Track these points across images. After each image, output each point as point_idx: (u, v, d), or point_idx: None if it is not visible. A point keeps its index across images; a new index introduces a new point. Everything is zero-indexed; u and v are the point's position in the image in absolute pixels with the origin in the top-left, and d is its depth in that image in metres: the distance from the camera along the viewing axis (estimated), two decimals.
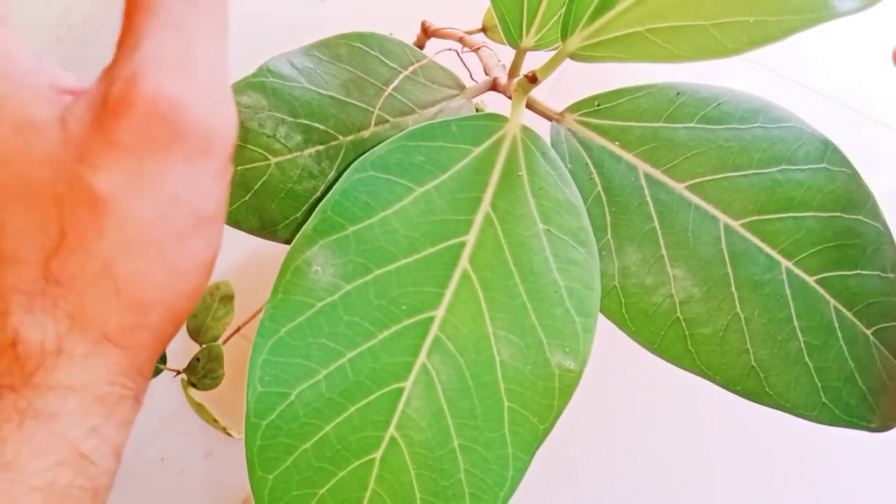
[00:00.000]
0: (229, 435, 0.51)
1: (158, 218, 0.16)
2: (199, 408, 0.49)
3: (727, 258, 0.24)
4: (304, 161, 0.23)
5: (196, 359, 0.51)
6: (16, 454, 0.15)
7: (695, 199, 0.24)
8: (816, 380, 0.23)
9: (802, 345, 0.23)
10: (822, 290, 0.23)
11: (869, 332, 0.23)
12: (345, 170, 0.23)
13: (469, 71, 0.39)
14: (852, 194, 0.24)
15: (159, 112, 0.16)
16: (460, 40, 0.40)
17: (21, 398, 0.15)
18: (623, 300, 0.24)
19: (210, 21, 0.17)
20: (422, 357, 0.21)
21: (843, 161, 0.24)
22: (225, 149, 0.17)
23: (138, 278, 0.16)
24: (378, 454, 0.20)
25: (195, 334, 0.52)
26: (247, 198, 0.23)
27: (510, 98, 0.27)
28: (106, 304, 0.16)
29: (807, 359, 0.23)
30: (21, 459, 0.15)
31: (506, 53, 0.30)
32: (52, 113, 0.16)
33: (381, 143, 0.23)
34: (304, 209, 0.23)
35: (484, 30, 0.44)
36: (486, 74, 0.32)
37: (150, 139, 0.16)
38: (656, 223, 0.24)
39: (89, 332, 0.16)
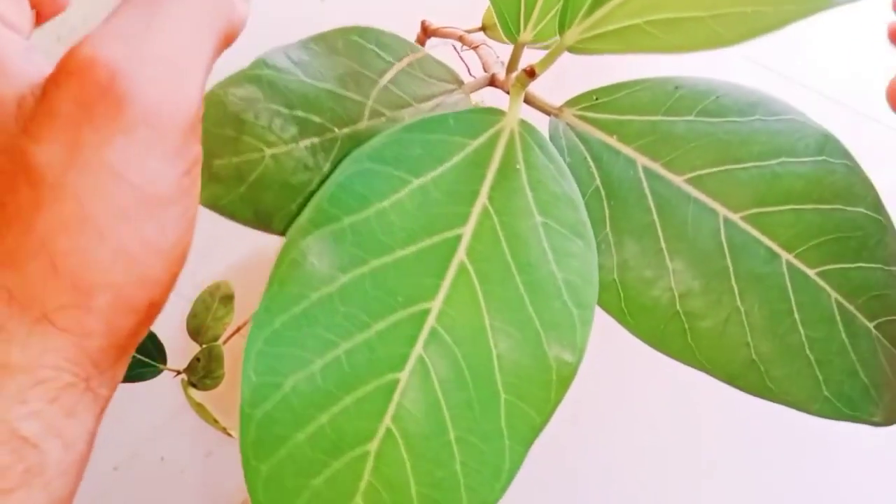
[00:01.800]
0: (229, 435, 0.51)
1: (96, 193, 0.15)
2: (199, 408, 0.49)
3: (727, 251, 0.23)
4: (300, 153, 0.23)
5: (196, 359, 0.51)
6: None
7: (694, 192, 0.24)
8: (818, 373, 0.23)
9: (804, 338, 0.23)
10: (823, 283, 0.23)
11: (871, 326, 0.23)
12: (340, 162, 0.23)
13: (468, 68, 0.39)
14: (853, 186, 0.24)
15: (95, 77, 0.15)
16: (460, 39, 0.40)
17: None
18: (622, 294, 0.24)
19: (193, 6, 0.17)
20: (418, 348, 0.21)
21: (844, 153, 0.24)
22: (177, 126, 0.16)
23: (77, 256, 0.15)
24: (373, 445, 0.20)
25: (195, 334, 0.52)
26: (241, 189, 0.22)
27: (509, 94, 0.27)
28: (44, 283, 0.15)
29: (808, 352, 0.23)
30: None
31: (506, 52, 0.30)
32: (14, 92, 0.16)
33: (376, 136, 0.23)
34: (298, 201, 0.23)
35: (483, 29, 0.44)
36: (485, 71, 0.32)
37: (88, 108, 0.15)
38: (655, 216, 0.24)
39: (28, 310, 0.15)
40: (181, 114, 0.17)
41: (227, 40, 0.19)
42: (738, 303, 0.23)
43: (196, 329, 0.52)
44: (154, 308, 0.17)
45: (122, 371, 0.18)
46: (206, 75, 0.18)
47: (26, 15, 0.18)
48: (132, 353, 0.18)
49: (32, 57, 0.17)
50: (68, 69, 0.15)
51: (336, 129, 0.23)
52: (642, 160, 0.24)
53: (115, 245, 0.16)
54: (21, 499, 0.15)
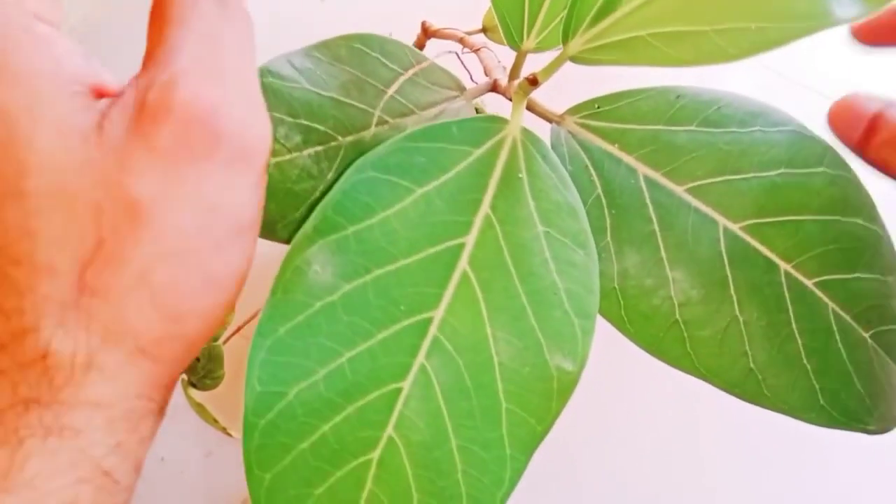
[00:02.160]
0: (229, 435, 0.51)
1: (197, 226, 0.16)
2: (199, 408, 0.49)
3: (726, 261, 0.24)
4: (303, 161, 0.23)
5: (196, 359, 0.51)
6: (38, 471, 0.14)
7: (694, 202, 0.24)
8: (815, 382, 0.23)
9: (801, 347, 0.23)
10: (820, 293, 0.24)
11: (867, 336, 0.23)
12: (344, 171, 0.23)
13: (469, 72, 0.39)
14: (851, 198, 0.24)
15: (198, 117, 0.15)
16: (460, 41, 0.40)
17: (48, 413, 0.15)
18: (622, 302, 0.24)
19: (238, 29, 0.17)
20: (420, 357, 0.21)
21: (842, 165, 0.24)
22: (262, 156, 0.17)
23: (175, 288, 0.16)
24: (376, 454, 0.20)
25: None
26: None
27: (510, 100, 0.27)
28: (141, 315, 0.15)
29: (805, 361, 0.23)
30: (42, 476, 0.14)
31: (506, 54, 0.30)
32: (91, 119, 0.15)
33: (380, 144, 0.23)
34: (302, 209, 0.23)
35: (484, 30, 0.44)
36: (487, 76, 0.32)
37: (190, 145, 0.16)
38: (656, 225, 0.24)
39: (122, 344, 0.15)
40: (265, 144, 0.17)
41: None
42: (737, 312, 0.23)
43: None
44: (221, 325, 0.18)
45: None
46: None
47: (59, 11, 0.18)
48: None
49: (92, 65, 0.17)
50: (169, 106, 0.15)
51: (340, 138, 0.23)
52: (643, 169, 0.25)
53: (207, 274, 0.16)
54: None
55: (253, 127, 0.17)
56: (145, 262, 0.15)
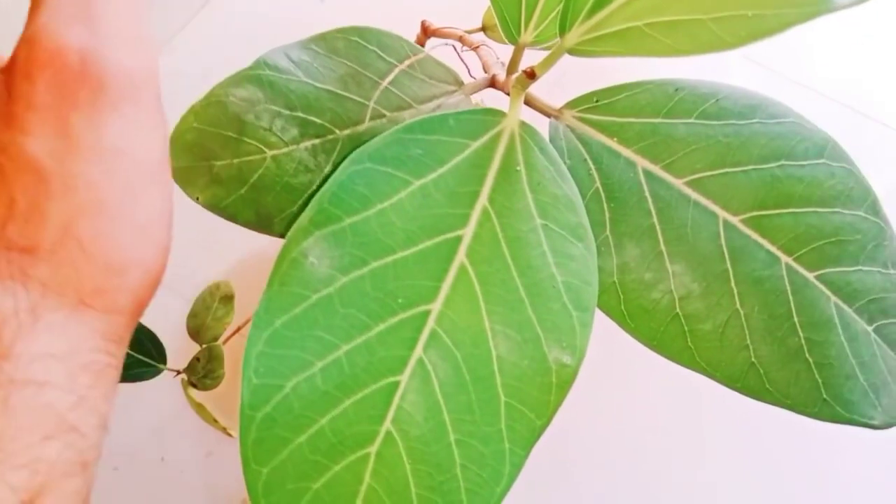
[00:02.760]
0: (229, 435, 0.51)
1: (104, 174, 0.16)
2: (199, 408, 0.49)
3: (726, 254, 0.23)
4: (301, 154, 0.23)
5: (196, 359, 0.51)
6: (1, 430, 0.15)
7: (694, 195, 0.24)
8: (817, 376, 0.23)
9: (803, 341, 0.23)
10: (822, 287, 0.23)
11: (870, 329, 0.23)
12: (341, 164, 0.23)
13: (468, 69, 0.39)
14: (852, 190, 0.24)
15: (68, 66, 0.15)
16: (460, 39, 0.40)
17: (2, 371, 0.15)
18: (622, 296, 0.24)
19: None
20: (418, 351, 0.21)
21: (843, 157, 0.24)
22: (150, 91, 0.17)
23: (104, 238, 0.16)
24: (373, 448, 0.20)
25: (195, 334, 0.52)
26: (243, 191, 0.22)
27: (509, 95, 0.27)
28: (77, 268, 0.16)
29: (807, 355, 0.23)
30: (6, 435, 0.15)
31: (506, 52, 0.30)
32: None
33: (377, 136, 0.23)
34: (299, 203, 0.23)
35: (484, 29, 0.44)
36: (485, 72, 0.32)
37: (68, 95, 0.15)
38: (655, 219, 0.24)
39: (64, 297, 0.16)
40: (153, 80, 0.17)
41: None
42: (738, 306, 0.23)
43: (196, 329, 0.52)
44: (162, 274, 0.17)
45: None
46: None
47: None
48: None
49: None
50: (37, 60, 0.15)
51: (337, 131, 0.23)
52: (642, 162, 0.24)
53: (132, 221, 0.16)
54: (76, 487, 0.16)
55: (133, 63, 0.16)
56: (64, 216, 0.16)
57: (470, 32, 0.41)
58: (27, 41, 0.16)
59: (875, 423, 0.23)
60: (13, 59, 0.16)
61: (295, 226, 0.21)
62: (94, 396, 0.16)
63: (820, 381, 0.23)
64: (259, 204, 0.23)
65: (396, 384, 0.21)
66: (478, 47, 0.36)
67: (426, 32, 0.43)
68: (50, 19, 0.16)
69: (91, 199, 0.16)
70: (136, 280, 0.17)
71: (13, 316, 0.15)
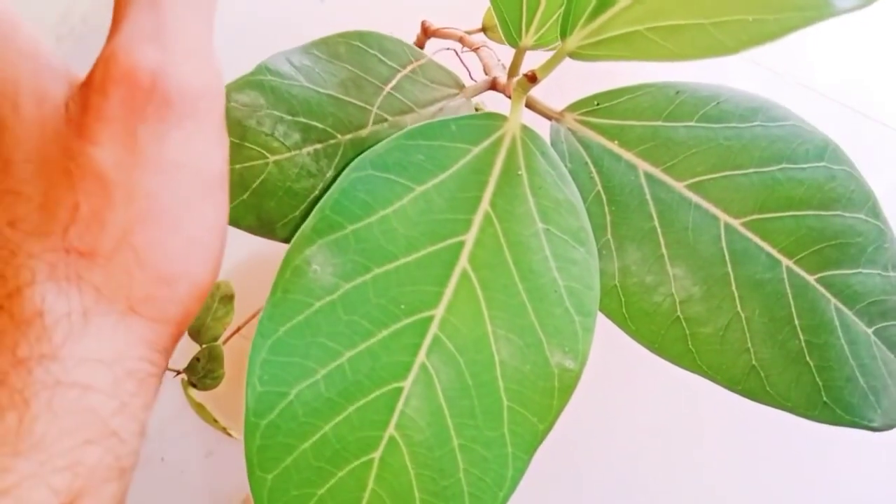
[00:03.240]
0: (229, 435, 0.51)
1: (164, 186, 0.16)
2: (199, 408, 0.49)
3: (727, 257, 0.24)
4: (303, 159, 0.23)
5: (196, 359, 0.51)
6: (45, 432, 0.15)
7: (695, 198, 0.24)
8: (818, 379, 0.23)
9: (803, 344, 0.23)
10: (822, 289, 0.23)
11: (870, 331, 0.23)
12: (343, 168, 0.23)
13: (468, 70, 0.39)
14: (853, 193, 0.24)
15: (140, 83, 0.16)
16: (460, 40, 0.40)
17: (50, 372, 0.15)
18: (623, 299, 0.24)
19: None
20: (421, 356, 0.21)
21: (843, 159, 0.24)
22: (214, 109, 0.18)
23: (158, 248, 0.16)
24: (377, 454, 0.20)
25: (195, 334, 0.52)
26: (245, 196, 0.22)
27: (509, 97, 0.27)
28: (130, 276, 0.16)
29: (808, 358, 0.23)
30: (50, 437, 0.15)
31: (506, 53, 0.30)
32: (63, 96, 0.17)
33: (379, 141, 0.23)
34: (302, 208, 0.23)
35: (484, 29, 0.44)
36: (486, 74, 0.32)
37: (138, 110, 0.16)
38: (656, 222, 0.24)
39: (116, 303, 0.16)
40: (216, 97, 0.18)
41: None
42: (739, 309, 0.23)
43: (196, 329, 0.52)
44: (211, 286, 0.18)
45: None
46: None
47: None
48: None
49: (61, 62, 0.17)
50: (112, 77, 0.16)
51: (339, 135, 0.23)
52: (643, 165, 0.24)
53: (187, 233, 0.17)
54: (113, 492, 0.16)
55: (199, 82, 0.17)
56: (123, 225, 0.16)
57: (470, 33, 0.41)
58: (104, 60, 0.16)
59: (875, 425, 0.23)
60: (90, 76, 0.17)
61: (298, 234, 0.22)
62: (136, 404, 0.16)
63: (820, 383, 0.23)
64: (261, 209, 0.23)
65: (400, 390, 0.21)
66: (478, 48, 0.36)
67: (426, 33, 0.43)
68: (126, 39, 0.16)
69: (150, 209, 0.16)
70: (186, 291, 0.17)
71: (65, 318, 0.15)
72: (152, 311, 0.17)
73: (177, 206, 0.17)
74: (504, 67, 0.32)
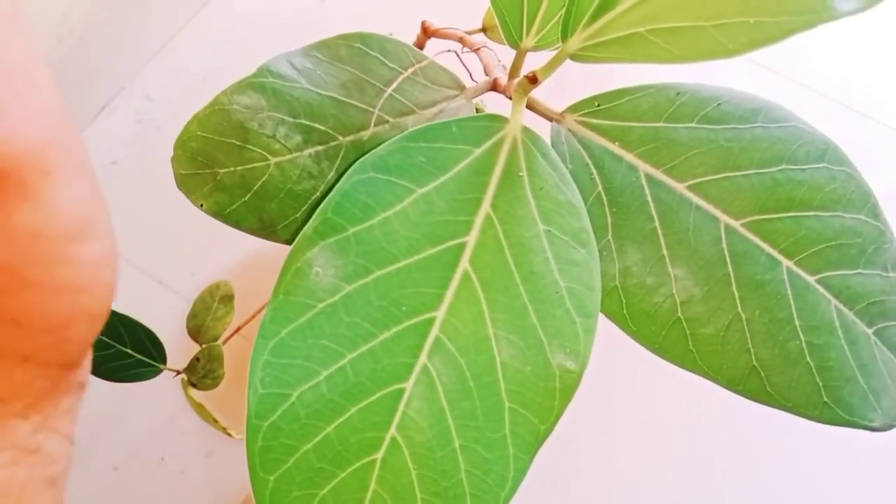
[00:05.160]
0: (229, 435, 0.51)
1: (23, 257, 0.15)
2: (199, 408, 0.49)
3: (728, 258, 0.24)
4: (304, 161, 0.23)
5: (196, 359, 0.51)
6: None
7: (695, 199, 0.24)
8: (818, 379, 0.23)
9: (804, 344, 0.23)
10: (822, 290, 0.23)
11: (870, 332, 0.23)
12: (345, 170, 0.23)
13: (469, 71, 0.39)
14: (853, 194, 0.24)
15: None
16: (460, 40, 0.40)
17: None
18: (624, 300, 0.24)
19: None
20: (422, 358, 0.21)
21: (844, 160, 0.24)
22: (56, 161, 0.15)
23: (33, 311, 0.15)
24: (379, 455, 0.20)
25: (195, 334, 0.52)
26: (246, 198, 0.23)
27: (510, 98, 0.27)
28: (14, 340, 0.15)
29: (808, 358, 0.23)
30: None
31: (506, 53, 0.30)
32: None
33: (380, 143, 0.23)
34: (303, 209, 0.23)
35: (484, 30, 0.44)
36: (487, 75, 0.32)
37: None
38: (657, 223, 0.24)
39: (7, 359, 0.16)
40: (57, 153, 0.15)
41: None
42: (740, 309, 0.23)
43: (196, 329, 0.52)
44: (108, 311, 0.17)
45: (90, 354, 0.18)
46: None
47: None
48: None
49: None
50: None
51: (340, 137, 0.23)
52: (644, 167, 0.24)
53: (62, 289, 0.15)
54: (48, 499, 0.16)
55: (33, 145, 0.14)
56: None
57: (470, 33, 0.41)
58: None
59: (875, 425, 0.23)
60: None
61: (299, 237, 0.22)
62: (53, 418, 0.16)
63: (820, 383, 0.23)
64: (263, 211, 0.23)
65: (401, 391, 0.21)
66: (479, 49, 0.36)
67: (426, 33, 0.43)
68: None
69: (15, 282, 0.15)
70: (83, 329, 0.16)
71: None
72: (48, 356, 0.16)
73: (43, 270, 0.15)
74: (504, 68, 0.32)
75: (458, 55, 0.39)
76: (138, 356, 0.48)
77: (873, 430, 0.23)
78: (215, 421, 0.50)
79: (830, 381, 0.23)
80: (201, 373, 0.51)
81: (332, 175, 0.23)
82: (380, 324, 0.21)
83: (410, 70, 0.25)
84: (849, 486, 0.61)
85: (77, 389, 0.17)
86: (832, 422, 0.23)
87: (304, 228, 0.22)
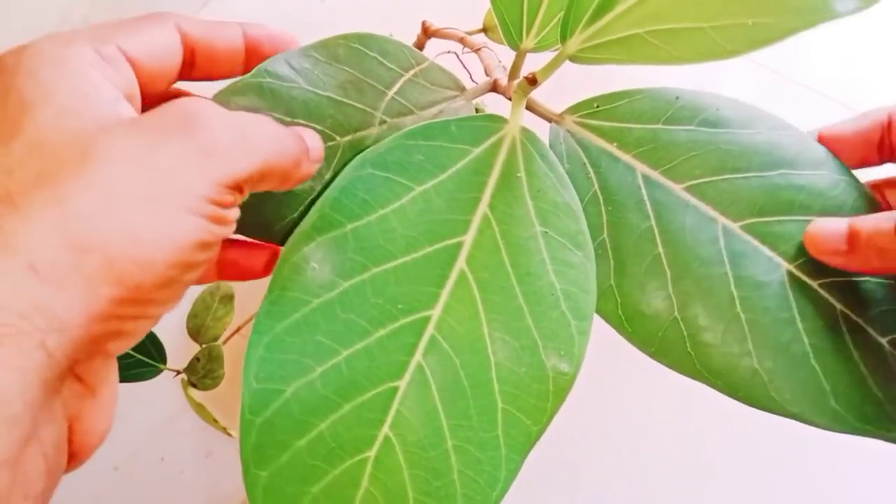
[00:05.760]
0: (229, 435, 0.51)
1: (130, 170, 0.17)
2: (199, 408, 0.50)
3: (726, 258, 0.23)
4: None
5: (196, 359, 0.51)
6: None
7: (693, 200, 0.24)
8: (825, 384, 0.22)
9: (808, 347, 0.22)
10: (826, 295, 0.22)
11: (884, 341, 0.22)
12: (342, 170, 0.23)
13: (469, 72, 0.39)
14: (857, 201, 0.23)
15: (184, 107, 0.18)
16: (461, 41, 0.40)
17: None
18: (619, 300, 0.23)
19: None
20: (417, 356, 0.21)
21: (845, 170, 0.24)
22: (235, 168, 0.19)
23: (84, 220, 0.16)
24: (372, 453, 0.20)
25: (195, 334, 0.52)
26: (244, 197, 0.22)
27: (510, 100, 0.27)
28: (45, 238, 0.16)
29: (813, 362, 0.22)
30: None
31: (506, 54, 0.30)
32: (113, 97, 0.18)
33: (379, 142, 0.23)
34: (300, 209, 0.23)
35: (484, 30, 0.44)
36: (487, 75, 0.32)
37: (165, 125, 0.18)
38: (653, 222, 0.24)
39: (16, 256, 0.15)
40: (240, 163, 0.18)
41: None
42: (739, 309, 0.23)
43: (196, 329, 0.52)
44: (139, 291, 0.17)
45: (98, 364, 0.18)
46: None
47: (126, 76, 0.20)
48: (109, 347, 0.17)
49: (120, 105, 0.18)
50: (166, 105, 0.18)
51: (338, 137, 0.23)
52: (641, 167, 0.24)
53: (122, 220, 0.16)
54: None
55: (237, 142, 0.18)
56: (69, 188, 0.16)
57: (471, 33, 0.41)
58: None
59: (893, 435, 0.22)
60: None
61: (297, 231, 0.22)
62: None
63: (828, 388, 0.22)
64: (260, 210, 0.23)
65: (395, 389, 0.21)
66: (479, 50, 0.36)
67: (426, 33, 0.43)
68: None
69: (102, 183, 0.16)
70: (94, 267, 0.16)
71: None
72: (51, 274, 0.15)
73: (129, 194, 0.16)
74: (504, 69, 0.32)
75: (458, 56, 0.39)
76: (138, 356, 0.48)
77: (889, 440, 0.22)
78: (215, 421, 0.50)
79: (839, 387, 0.22)
80: (201, 373, 0.51)
81: (329, 175, 0.23)
82: (375, 321, 0.21)
83: (412, 72, 0.25)
84: (846, 489, 0.61)
85: (48, 360, 0.16)
86: (842, 429, 0.22)
87: (302, 223, 0.22)
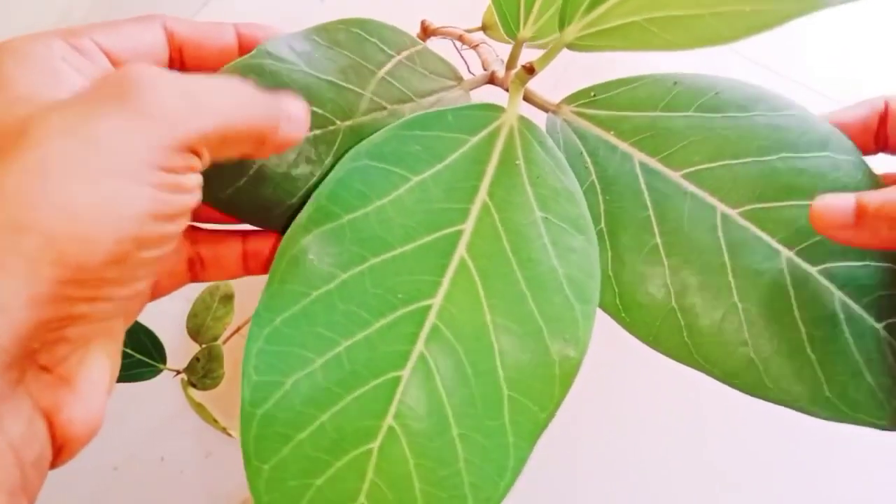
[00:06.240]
0: (229, 435, 0.51)
1: (68, 150, 0.16)
2: (199, 408, 0.49)
3: (724, 247, 0.23)
4: (301, 145, 0.23)
5: (196, 359, 0.51)
6: None
7: (691, 188, 0.24)
8: (819, 373, 0.22)
9: (804, 336, 0.22)
10: (825, 281, 0.22)
11: (880, 327, 0.22)
12: (342, 155, 0.23)
13: (468, 66, 0.39)
14: (860, 183, 0.23)
15: (122, 73, 0.18)
16: (460, 38, 0.40)
17: None
18: (617, 290, 0.23)
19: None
20: (419, 346, 0.21)
21: (849, 149, 0.23)
22: (177, 132, 0.18)
23: (20, 198, 0.15)
24: (376, 444, 0.20)
25: (195, 334, 0.52)
26: (241, 182, 0.22)
27: (508, 92, 0.27)
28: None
29: (809, 350, 0.22)
30: None
31: (506, 52, 0.30)
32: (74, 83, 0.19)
33: (378, 129, 0.23)
34: (299, 195, 0.23)
35: (484, 28, 0.44)
36: (485, 69, 0.32)
37: (102, 93, 0.17)
38: (651, 211, 0.24)
39: None
40: (189, 125, 0.17)
41: None
42: (736, 299, 0.23)
43: (196, 329, 0.51)
44: (85, 271, 0.16)
45: (64, 352, 0.17)
46: None
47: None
48: (67, 333, 0.17)
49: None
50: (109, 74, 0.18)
51: (338, 122, 0.23)
52: (639, 155, 0.24)
53: (60, 196, 0.15)
54: None
55: (184, 108, 0.17)
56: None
57: (470, 31, 0.41)
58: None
59: (882, 423, 0.22)
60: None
61: (294, 224, 0.21)
62: None
63: (823, 377, 0.22)
64: (258, 195, 0.23)
65: (398, 379, 0.21)
66: (477, 45, 0.36)
67: (426, 31, 0.43)
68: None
69: (37, 159, 0.16)
70: (34, 247, 0.15)
71: None
72: None
73: (64, 167, 0.16)
74: (502, 63, 0.32)
75: (457, 50, 0.39)
76: (138, 356, 0.48)
77: (880, 428, 0.22)
78: (215, 421, 0.50)
79: (834, 376, 0.22)
80: (201, 373, 0.51)
81: (329, 160, 0.23)
82: (375, 311, 0.21)
83: (405, 53, 0.25)
84: (847, 487, 0.61)
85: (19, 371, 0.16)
86: (835, 418, 0.22)
87: (299, 216, 0.22)
